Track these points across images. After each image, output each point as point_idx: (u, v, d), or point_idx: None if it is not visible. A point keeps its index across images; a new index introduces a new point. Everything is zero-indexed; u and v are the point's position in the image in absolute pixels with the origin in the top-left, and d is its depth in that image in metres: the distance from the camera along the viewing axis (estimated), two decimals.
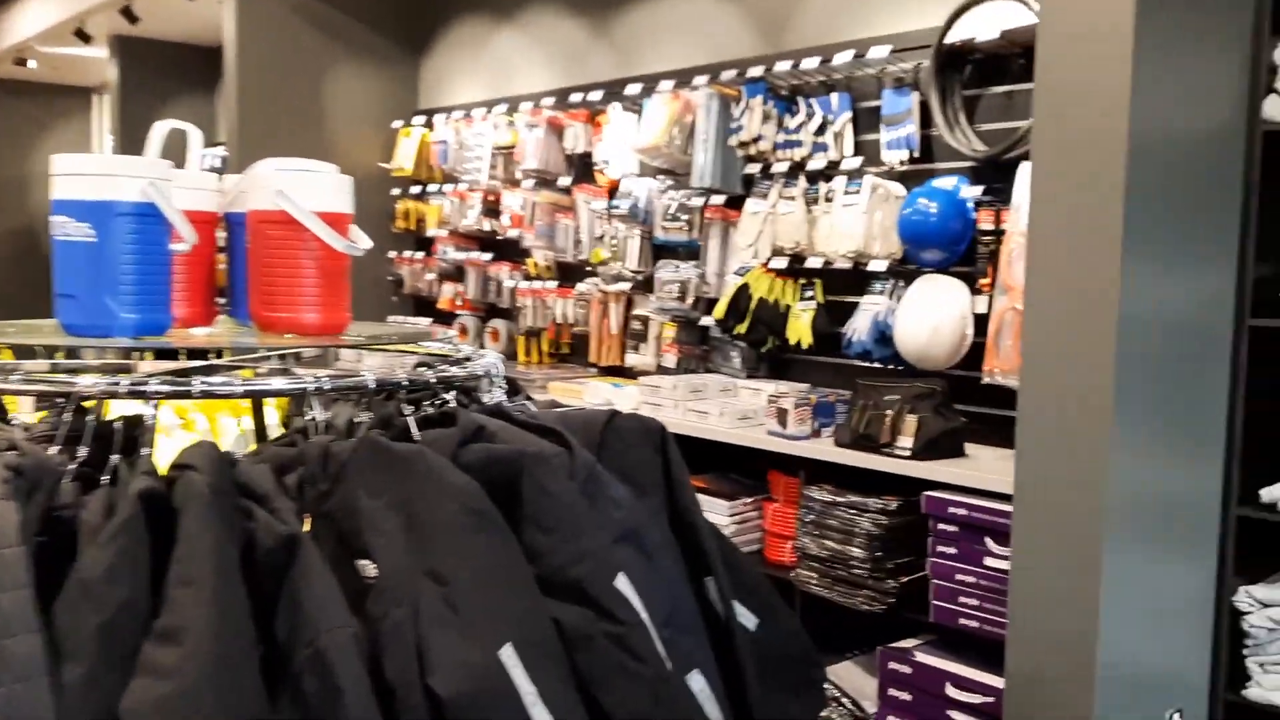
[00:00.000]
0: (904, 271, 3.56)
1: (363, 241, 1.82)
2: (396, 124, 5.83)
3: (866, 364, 3.66)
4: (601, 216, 4.59)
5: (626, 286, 4.49)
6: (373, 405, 1.61)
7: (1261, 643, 2.53)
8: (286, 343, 1.81)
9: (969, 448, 3.27)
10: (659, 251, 4.47)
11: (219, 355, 1.99)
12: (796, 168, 3.86)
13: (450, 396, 1.70)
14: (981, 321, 3.30)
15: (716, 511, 3.72)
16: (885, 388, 3.33)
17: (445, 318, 5.56)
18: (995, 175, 3.33)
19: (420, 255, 5.69)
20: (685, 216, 4.22)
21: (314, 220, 1.71)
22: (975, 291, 3.32)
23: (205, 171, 1.74)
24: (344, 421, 1.64)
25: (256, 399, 2.04)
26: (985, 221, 3.29)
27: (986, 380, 3.16)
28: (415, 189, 5.69)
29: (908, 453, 3.17)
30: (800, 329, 3.83)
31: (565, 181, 4.83)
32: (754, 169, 4.00)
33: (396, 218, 5.78)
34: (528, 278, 5.05)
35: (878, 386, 3.36)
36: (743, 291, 3.91)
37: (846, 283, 3.80)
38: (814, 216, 3.79)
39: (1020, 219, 3.13)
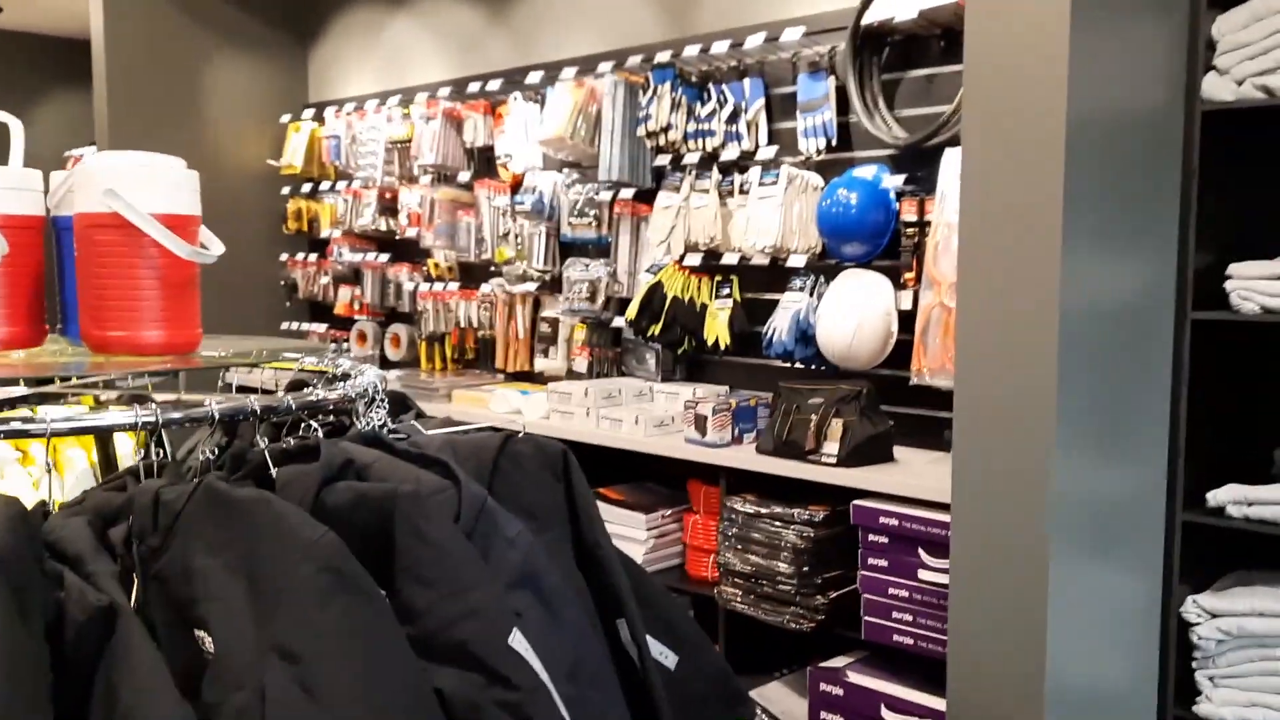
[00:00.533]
0: (825, 267, 3.37)
1: (214, 247, 1.55)
2: (284, 118, 5.48)
3: (788, 365, 3.46)
4: (505, 213, 4.32)
5: (533, 287, 4.24)
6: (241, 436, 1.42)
7: (1211, 655, 2.38)
8: (120, 365, 1.54)
9: (898, 451, 3.09)
10: (567, 249, 4.22)
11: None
12: (709, 158, 3.64)
13: (316, 424, 1.48)
14: (907, 318, 3.12)
15: (633, 525, 3.49)
16: (808, 390, 3.14)
17: (343, 323, 5.24)
18: (918, 163, 3.15)
19: (314, 258, 5.35)
20: (593, 212, 3.98)
21: (151, 223, 1.45)
22: (900, 286, 3.15)
23: (29, 170, 1.48)
24: (201, 458, 1.41)
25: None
26: (908, 212, 3.12)
27: (915, 381, 2.99)
28: (306, 187, 5.35)
29: (834, 460, 2.97)
30: (718, 329, 3.62)
31: (465, 177, 4.56)
32: (664, 160, 3.77)
33: (288, 218, 5.44)
34: (428, 279, 4.76)
35: (800, 389, 3.16)
36: (656, 290, 3.69)
37: (765, 279, 3.60)
38: (729, 210, 3.58)
39: (945, 209, 2.96)
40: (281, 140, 5.46)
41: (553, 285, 4.23)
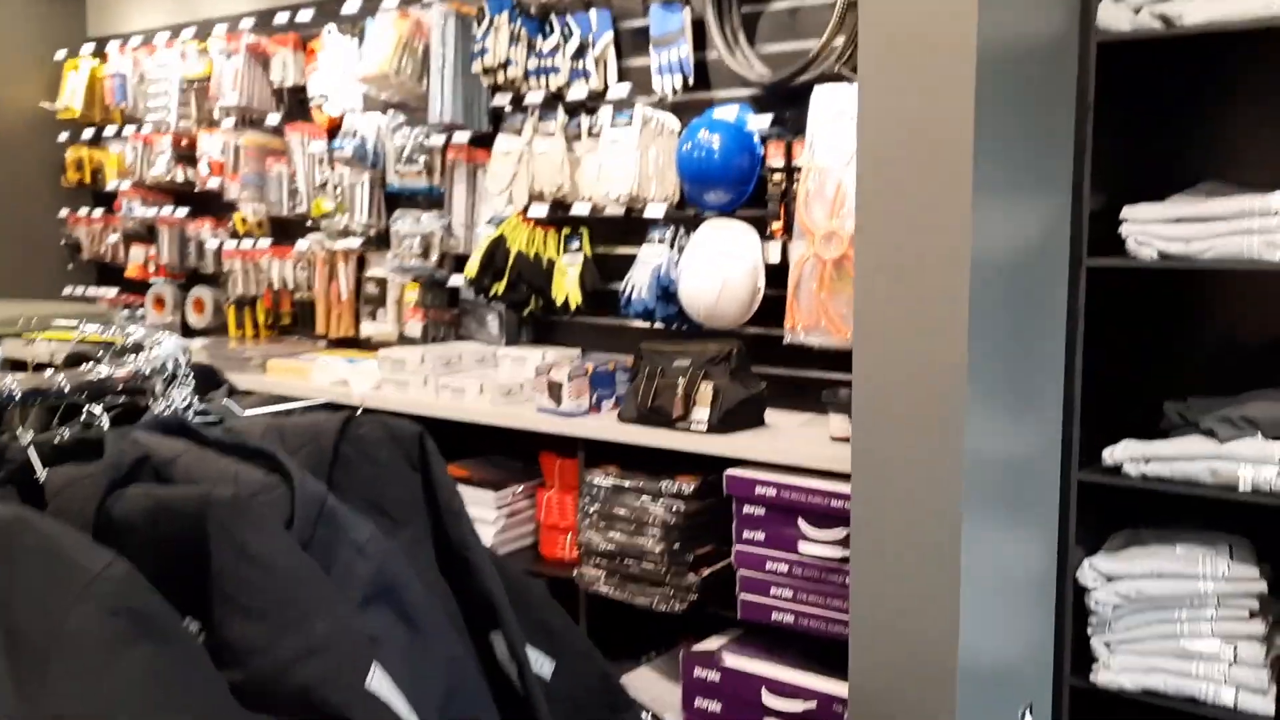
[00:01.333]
0: (685, 217, 3.10)
1: None
2: (60, 55, 4.80)
3: (649, 325, 3.19)
4: (322, 161, 3.88)
5: (356, 243, 3.82)
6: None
7: (1107, 620, 2.27)
8: None
9: (770, 415, 2.88)
10: (394, 201, 3.82)
11: None
12: (553, 98, 3.31)
13: (101, 410, 1.20)
14: (775, 272, 2.90)
15: (482, 504, 3.17)
16: (673, 352, 2.88)
17: (137, 287, 4.66)
18: (784, 103, 2.92)
19: (100, 213, 4.73)
20: (423, 159, 3.59)
21: None
22: (767, 237, 2.92)
23: None
24: None
25: None
26: (775, 157, 2.88)
27: (789, 339, 2.77)
28: (88, 133, 4.71)
29: (704, 427, 2.73)
30: (568, 287, 3.32)
31: (275, 120, 4.07)
32: (503, 100, 3.42)
33: (67, 169, 4.79)
34: (235, 236, 4.26)
35: (664, 351, 2.90)
36: (498, 245, 3.35)
37: (620, 232, 3.31)
38: (577, 156, 3.27)
39: (816, 152, 2.74)
40: (57, 80, 4.79)
41: (379, 241, 3.82)
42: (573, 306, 3.30)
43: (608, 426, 2.89)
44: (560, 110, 3.27)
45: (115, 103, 4.52)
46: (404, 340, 3.72)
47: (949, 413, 1.87)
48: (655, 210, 3.07)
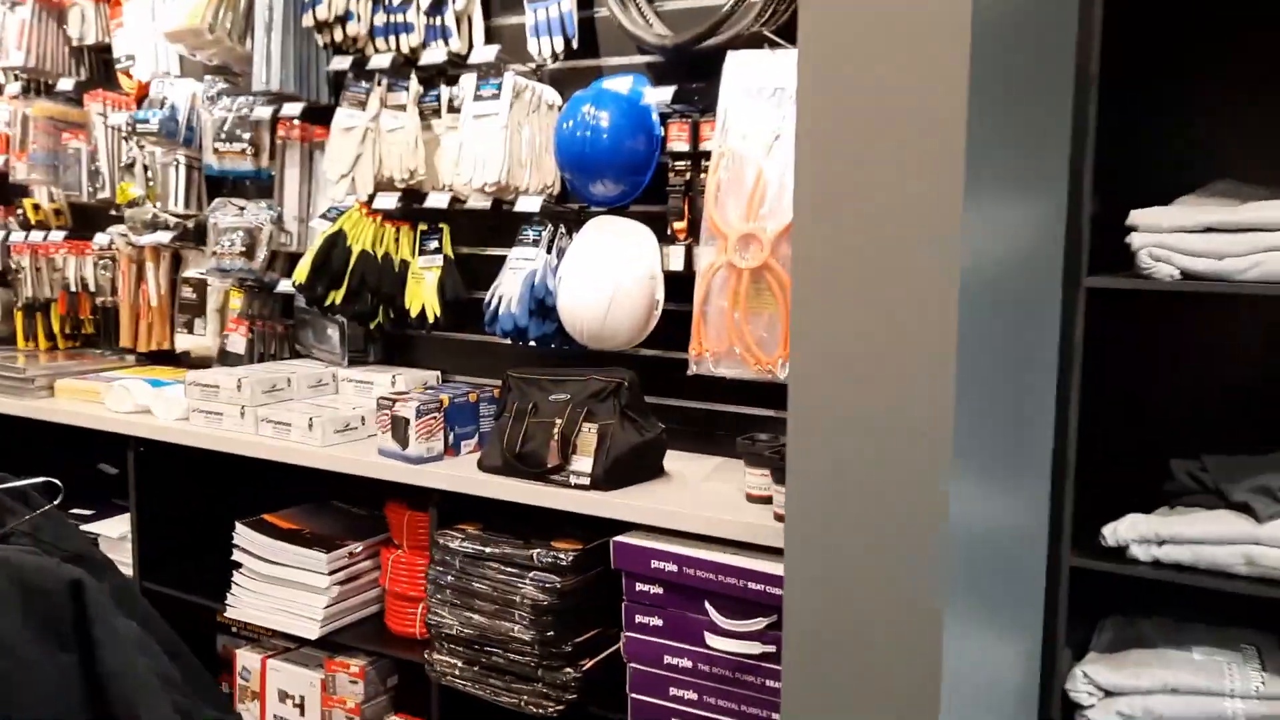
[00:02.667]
0: (567, 213, 2.51)
1: None
2: None
3: (520, 346, 2.58)
4: (127, 136, 3.16)
5: (167, 237, 3.11)
6: None
7: None
8: None
9: (670, 460, 2.31)
10: (216, 187, 3.13)
11: None
12: (406, 63, 2.68)
13: None
14: (678, 282, 2.33)
15: (310, 567, 2.53)
16: (550, 383, 2.28)
17: None
18: (690, 73, 2.34)
19: None
20: (247, 135, 2.92)
21: None
22: (668, 239, 2.34)
23: None
24: None
25: None
26: (677, 139, 2.30)
27: (695, 368, 2.19)
28: None
29: (586, 480, 2.15)
30: (424, 295, 2.69)
31: (68, 85, 3.33)
32: (344, 64, 2.77)
33: None
34: (26, 227, 3.51)
35: (539, 381, 2.30)
36: (336, 243, 2.70)
37: (486, 229, 2.70)
38: (434, 134, 2.64)
39: (731, 133, 2.17)
40: None
41: (198, 235, 3.13)
42: (430, 319, 2.68)
43: (466, 476, 2.28)
44: (413, 78, 2.64)
45: None
46: (227, 357, 3.04)
47: (925, 472, 1.32)
48: (529, 204, 2.47)
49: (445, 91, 2.62)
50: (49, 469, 3.31)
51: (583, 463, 2.16)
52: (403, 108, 2.64)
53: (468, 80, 2.54)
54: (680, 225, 2.31)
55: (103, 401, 2.92)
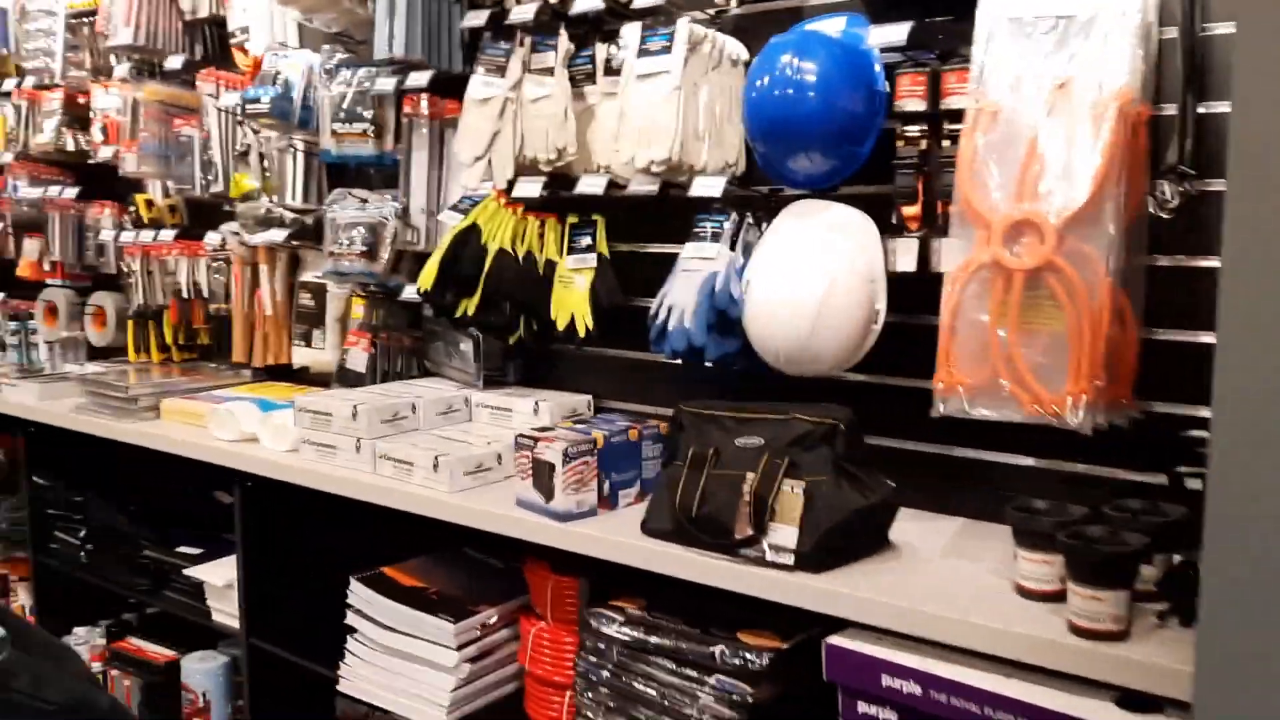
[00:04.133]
0: (757, 198, 1.95)
1: None
2: None
3: (696, 367, 2.03)
4: (240, 120, 2.77)
5: (281, 236, 2.69)
6: None
7: None
8: None
9: (900, 524, 1.72)
10: (337, 175, 2.71)
11: None
12: (554, 16, 2.17)
13: None
14: (909, 289, 1.75)
15: (435, 639, 2.05)
16: (736, 421, 1.73)
17: (32, 290, 3.58)
18: (924, 6, 1.75)
19: None
20: (369, 114, 2.47)
21: None
22: (892, 230, 1.76)
23: None
24: None
25: None
26: (909, 96, 1.72)
27: (943, 408, 1.60)
28: None
29: (789, 557, 1.58)
30: (572, 304, 2.19)
31: (176, 63, 2.96)
32: (478, 20, 2.28)
33: None
34: (138, 225, 3.17)
35: (721, 417, 1.75)
36: (468, 240, 2.21)
37: (652, 221, 2.18)
38: (588, 104, 2.13)
39: (992, 83, 1.57)
40: None
41: (317, 233, 2.70)
42: (580, 332, 2.17)
43: (626, 541, 1.75)
44: (562, 34, 2.13)
45: None
46: (345, 375, 2.60)
47: None
48: (708, 186, 1.92)
49: (601, 51, 2.11)
50: (160, 494, 2.96)
51: (783, 533, 1.60)
52: (549, 72, 2.13)
53: (630, 32, 2.01)
54: (912, 211, 1.73)
55: (207, 425, 2.53)
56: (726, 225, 1.92)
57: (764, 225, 1.90)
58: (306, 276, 2.76)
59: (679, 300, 1.90)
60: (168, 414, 2.70)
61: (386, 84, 2.39)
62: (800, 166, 1.81)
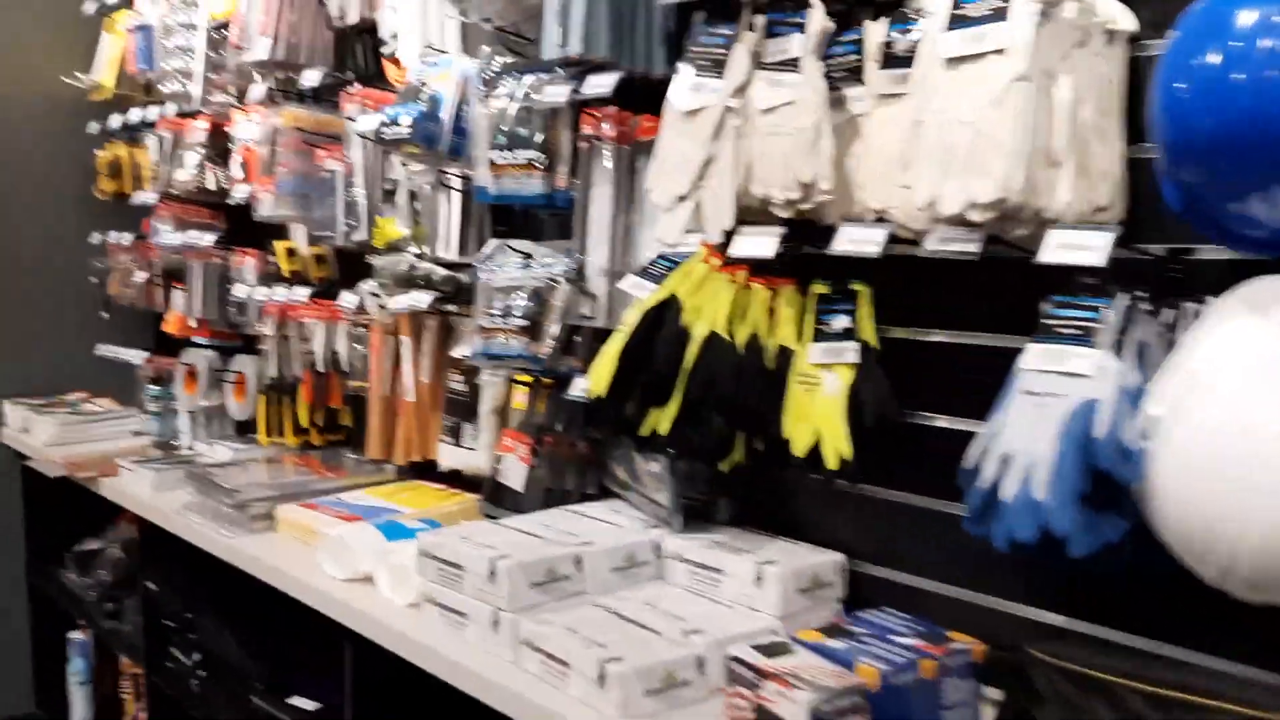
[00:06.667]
0: (1169, 268, 1.12)
1: None
2: (90, 7, 3.36)
3: (1046, 562, 1.20)
4: (385, 148, 2.15)
5: (425, 300, 2.04)
6: None
7: None
8: None
9: None
10: (502, 220, 2.05)
11: None
12: None
13: None
14: None
15: None
16: (1150, 696, 0.91)
17: (179, 347, 3.11)
18: None
19: (129, 239, 3.24)
20: (536, 139, 1.78)
21: None
22: None
23: None
24: None
25: None
26: None
27: None
28: (117, 120, 3.23)
29: None
30: (820, 415, 1.42)
31: (316, 78, 2.38)
32: None
33: (100, 174, 3.33)
34: (278, 278, 2.61)
35: (1111, 686, 0.93)
36: (662, 320, 1.47)
37: (958, 295, 1.38)
38: (852, 116, 1.36)
39: None
40: (94, 44, 3.35)
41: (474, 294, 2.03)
42: (832, 462, 1.38)
43: None
44: (815, 7, 1.37)
45: (139, 69, 3.00)
46: (497, 492, 1.91)
47: None
48: (1079, 245, 1.10)
49: (875, 30, 1.34)
50: (278, 624, 2.34)
51: None
52: (792, 65, 1.38)
53: (934, 1, 1.23)
54: None
55: (315, 543, 1.90)
56: (1108, 314, 1.10)
57: (1174, 314, 1.07)
58: (459, 352, 2.10)
59: (1021, 448, 1.09)
60: (283, 525, 2.10)
61: (559, 92, 1.69)
62: (1268, 213, 0.97)
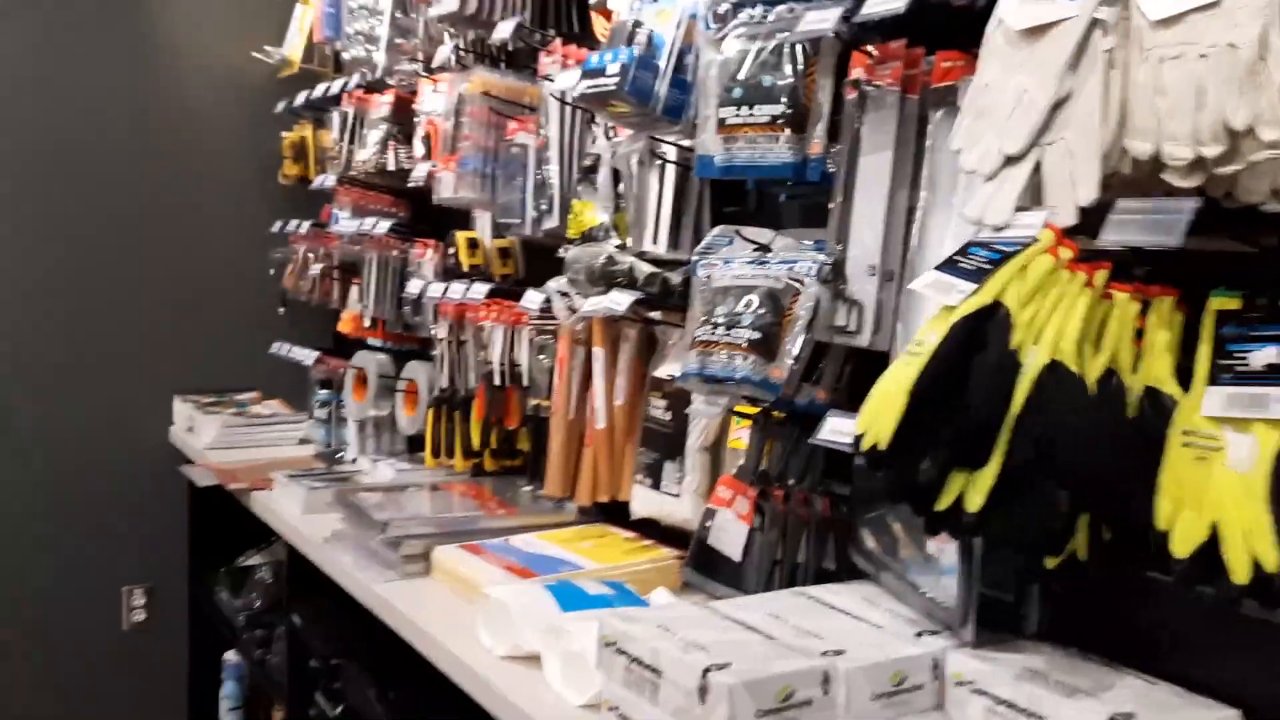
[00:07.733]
0: None
1: None
2: None
3: None
4: (585, 108, 1.75)
5: (624, 303, 1.60)
6: None
7: None
8: None
9: None
10: (730, 202, 1.60)
11: None
12: None
13: None
14: None
15: None
16: None
17: (353, 348, 2.82)
18: None
19: (306, 227, 2.97)
20: (783, 87, 1.32)
21: None
22: None
23: None
24: None
25: None
26: None
27: None
28: (301, 97, 2.98)
29: None
30: (1221, 498, 0.89)
31: (507, 31, 2.00)
32: None
33: (284, 157, 3.10)
34: (456, 273, 2.25)
35: None
36: (981, 338, 0.98)
37: None
38: None
39: None
40: (286, 19, 3.12)
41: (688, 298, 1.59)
42: (1238, 574, 0.86)
43: None
44: None
45: (323, 38, 2.72)
46: (706, 558, 1.46)
47: None
48: None
49: None
50: (431, 681, 1.82)
51: None
52: None
53: None
54: None
55: (475, 610, 1.49)
56: None
57: None
58: (665, 371, 1.67)
59: None
60: (439, 572, 1.71)
61: (821, 20, 1.23)
62: None
